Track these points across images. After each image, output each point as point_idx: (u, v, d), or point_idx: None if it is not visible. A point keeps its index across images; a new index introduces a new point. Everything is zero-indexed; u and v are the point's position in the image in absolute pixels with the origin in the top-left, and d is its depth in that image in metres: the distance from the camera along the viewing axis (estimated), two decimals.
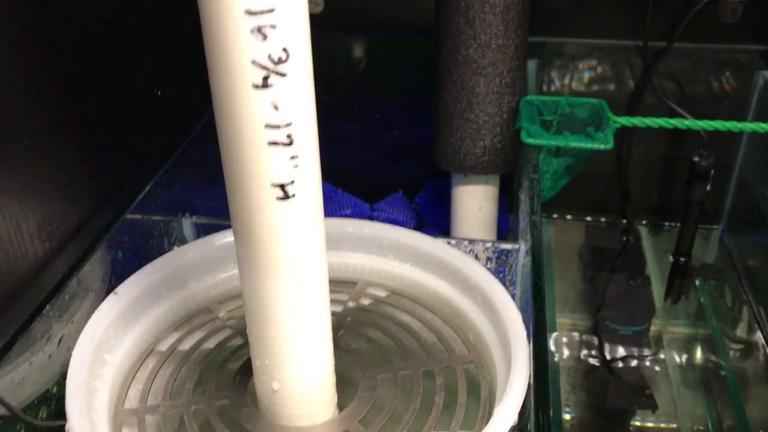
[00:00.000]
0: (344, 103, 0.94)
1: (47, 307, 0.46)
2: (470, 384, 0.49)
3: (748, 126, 0.68)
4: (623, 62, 0.87)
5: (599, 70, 0.88)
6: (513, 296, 0.62)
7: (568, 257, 0.96)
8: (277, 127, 0.37)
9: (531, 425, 0.42)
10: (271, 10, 0.34)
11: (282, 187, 0.39)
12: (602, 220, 0.98)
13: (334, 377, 0.47)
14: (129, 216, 0.57)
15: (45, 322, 0.45)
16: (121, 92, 0.58)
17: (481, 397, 0.48)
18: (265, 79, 0.36)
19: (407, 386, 0.49)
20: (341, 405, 0.48)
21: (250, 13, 0.34)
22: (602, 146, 0.65)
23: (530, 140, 0.66)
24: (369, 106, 0.94)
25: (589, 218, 0.98)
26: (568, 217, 0.99)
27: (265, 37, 0.35)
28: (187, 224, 0.64)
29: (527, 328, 0.48)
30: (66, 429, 0.41)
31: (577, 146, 0.65)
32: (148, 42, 0.62)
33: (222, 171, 0.40)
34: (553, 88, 0.90)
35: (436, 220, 0.92)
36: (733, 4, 0.76)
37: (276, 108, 0.37)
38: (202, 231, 0.64)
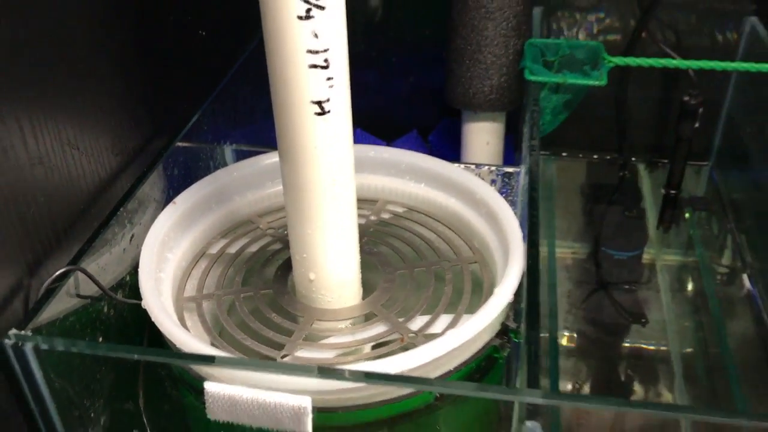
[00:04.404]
0: (363, 50, 1.01)
1: (121, 209, 0.55)
2: (474, 280, 0.58)
3: (731, 65, 0.76)
4: (626, 12, 0.93)
5: (601, 19, 0.95)
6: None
7: (570, 192, 1.04)
8: (317, 52, 0.45)
9: (524, 304, 0.51)
10: None
11: (319, 104, 0.47)
12: (603, 157, 1.05)
13: (360, 270, 0.56)
14: (179, 144, 0.65)
15: (120, 221, 0.54)
16: (173, 34, 0.66)
17: (483, 289, 0.57)
18: (308, 11, 0.44)
19: (421, 280, 0.58)
20: (365, 294, 0.57)
21: None
22: (597, 83, 0.73)
23: (533, 77, 0.74)
24: (386, 52, 1.02)
25: (590, 156, 1.06)
26: (564, 154, 1.07)
27: None
28: (228, 151, 0.72)
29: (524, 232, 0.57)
30: (142, 305, 0.51)
31: (574, 83, 0.73)
32: None
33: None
34: (553, 36, 0.97)
35: (448, 156, 0.99)
36: None
37: (316, 36, 0.45)
38: (242, 156, 0.72)
